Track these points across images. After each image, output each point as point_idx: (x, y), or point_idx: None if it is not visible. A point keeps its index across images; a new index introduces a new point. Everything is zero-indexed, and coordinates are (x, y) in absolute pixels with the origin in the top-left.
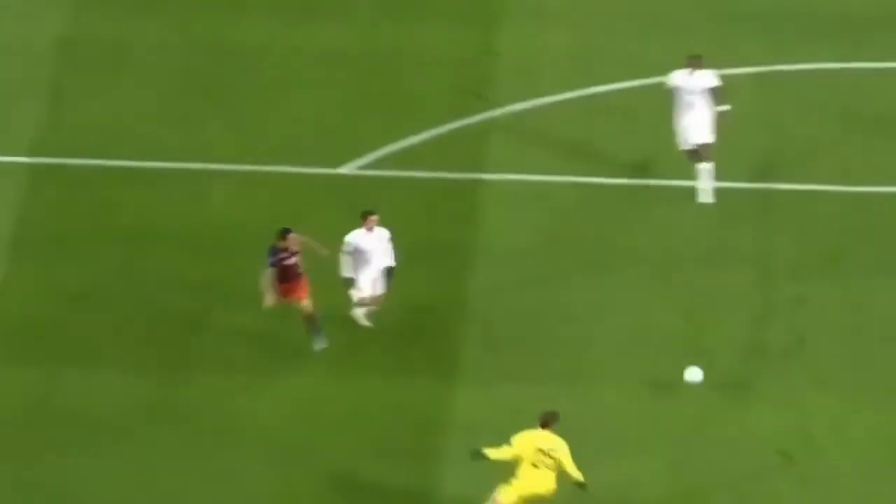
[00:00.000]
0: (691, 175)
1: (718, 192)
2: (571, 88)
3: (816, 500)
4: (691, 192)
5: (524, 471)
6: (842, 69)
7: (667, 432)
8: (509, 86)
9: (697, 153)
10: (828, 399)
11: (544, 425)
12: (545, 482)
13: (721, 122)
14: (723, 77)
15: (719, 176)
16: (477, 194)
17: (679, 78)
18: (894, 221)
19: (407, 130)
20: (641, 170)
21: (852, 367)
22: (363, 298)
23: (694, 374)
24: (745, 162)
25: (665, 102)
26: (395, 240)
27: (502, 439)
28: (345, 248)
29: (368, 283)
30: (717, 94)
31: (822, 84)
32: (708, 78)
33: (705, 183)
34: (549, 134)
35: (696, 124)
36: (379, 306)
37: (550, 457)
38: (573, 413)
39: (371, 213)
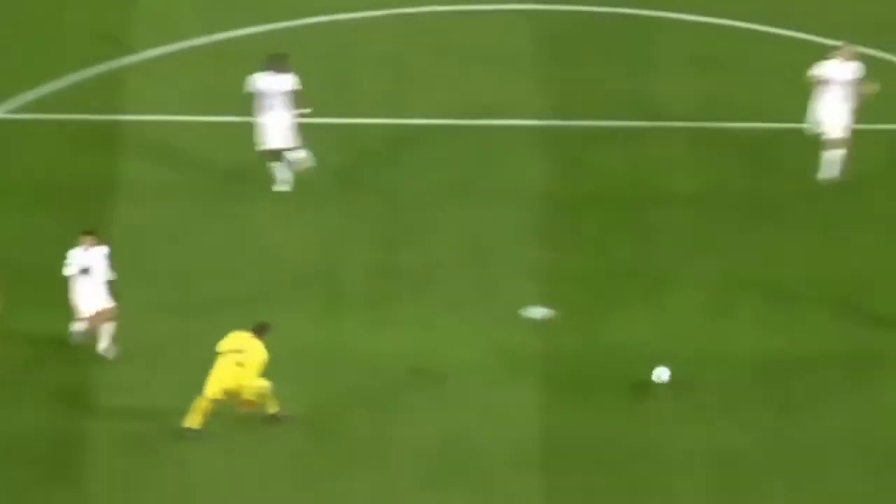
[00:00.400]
0: (323, 113)
1: (349, 128)
2: (204, 34)
3: (447, 411)
4: (322, 129)
5: (217, 364)
6: (460, 11)
7: (307, 353)
8: (146, 32)
9: (274, 154)
10: (455, 319)
11: (254, 332)
12: (232, 377)
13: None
14: (351, 20)
15: (350, 113)
16: (117, 136)
17: (260, 81)
18: (509, 152)
19: (49, 75)
20: None
21: (476, 289)
22: (85, 318)
23: (661, 374)
24: (373, 100)
25: (290, 45)
26: (42, 183)
27: (157, 368)
28: (68, 268)
29: (90, 302)
30: (296, 98)
31: (443, 26)
32: (286, 81)
33: (284, 175)
34: (183, 77)
35: (274, 128)
36: (111, 321)
37: (240, 354)
38: (217, 338)
39: (89, 232)
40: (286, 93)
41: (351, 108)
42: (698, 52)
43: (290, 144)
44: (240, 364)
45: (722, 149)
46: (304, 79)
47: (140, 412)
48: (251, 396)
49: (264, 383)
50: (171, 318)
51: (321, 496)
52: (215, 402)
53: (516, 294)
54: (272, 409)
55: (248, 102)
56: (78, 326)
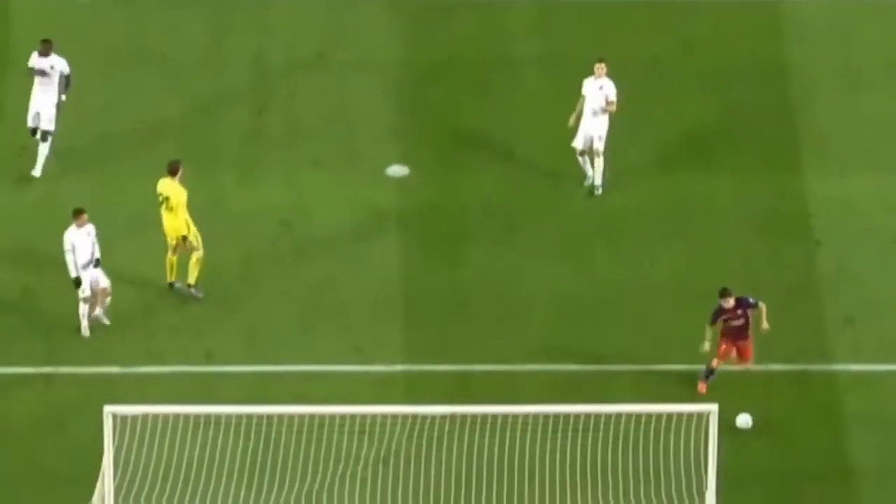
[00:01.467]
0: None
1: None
2: None
3: (312, 259)
4: None
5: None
6: None
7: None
8: None
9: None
10: (320, 176)
11: (169, 173)
12: (167, 222)
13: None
14: None
15: None
16: None
17: (33, 60)
18: (364, 25)
19: None
20: None
21: (339, 150)
22: (87, 297)
23: (744, 421)
24: None
25: None
26: None
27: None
28: (66, 246)
29: (87, 280)
30: (67, 81)
31: None
32: (60, 64)
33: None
34: None
35: (38, 108)
36: (109, 297)
37: (164, 198)
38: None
39: (82, 210)
40: (60, 75)
41: None
42: None
43: (51, 128)
44: (169, 209)
45: (565, 18)
46: None
47: None
48: (189, 237)
49: (194, 230)
50: None
51: (201, 342)
52: (175, 250)
53: (376, 154)
54: (192, 277)
55: None
56: (84, 310)
